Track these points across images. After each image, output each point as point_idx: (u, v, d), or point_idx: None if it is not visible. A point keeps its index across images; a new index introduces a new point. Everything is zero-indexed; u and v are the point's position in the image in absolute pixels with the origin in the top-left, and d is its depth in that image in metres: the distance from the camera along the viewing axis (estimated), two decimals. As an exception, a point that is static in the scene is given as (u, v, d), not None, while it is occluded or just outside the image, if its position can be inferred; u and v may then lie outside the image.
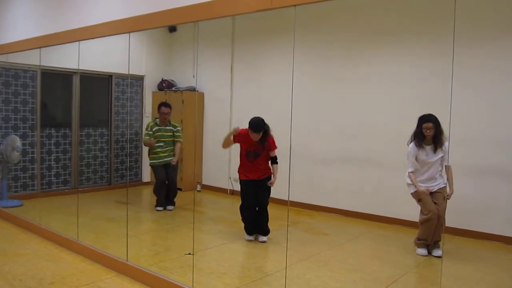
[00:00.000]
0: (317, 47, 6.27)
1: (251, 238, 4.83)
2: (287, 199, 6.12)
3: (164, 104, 6.23)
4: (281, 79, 6.53)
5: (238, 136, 4.76)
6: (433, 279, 3.77)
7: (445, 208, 4.34)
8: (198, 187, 7.62)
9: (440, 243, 4.34)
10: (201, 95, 7.83)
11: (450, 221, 5.02)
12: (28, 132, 6.55)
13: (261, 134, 4.68)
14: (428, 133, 4.38)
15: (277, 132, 6.41)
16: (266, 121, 6.56)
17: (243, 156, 4.80)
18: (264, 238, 4.78)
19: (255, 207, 4.84)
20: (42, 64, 5.63)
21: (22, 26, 6.30)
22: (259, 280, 3.69)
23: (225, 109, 7.28)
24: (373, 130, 5.73)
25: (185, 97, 7.61)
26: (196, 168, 7.81)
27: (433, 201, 4.39)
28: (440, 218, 4.32)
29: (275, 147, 4.78)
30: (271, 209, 6.28)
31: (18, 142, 6.06)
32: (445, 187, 4.45)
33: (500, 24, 4.88)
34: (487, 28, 4.94)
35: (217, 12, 3.20)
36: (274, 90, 6.71)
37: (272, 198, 6.66)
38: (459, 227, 5.07)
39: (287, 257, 4.16)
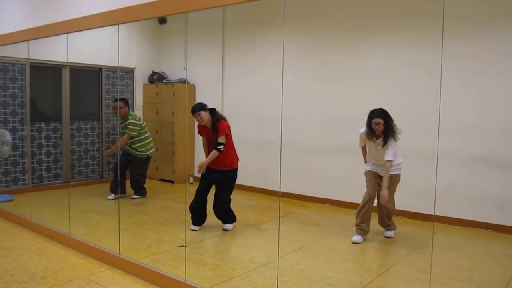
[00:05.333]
0: (308, 38, 6.26)
1: (196, 228, 4.85)
2: (279, 190, 6.17)
3: (116, 100, 6.48)
4: (272, 71, 6.52)
5: (199, 129, 4.88)
6: (424, 267, 3.80)
7: (388, 194, 4.37)
8: (191, 180, 7.61)
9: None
10: (192, 87, 7.79)
11: (440, 210, 5.08)
12: (18, 126, 6.49)
13: (200, 116, 4.68)
14: (377, 128, 4.37)
15: (268, 123, 6.43)
16: (257, 111, 6.58)
17: (207, 146, 4.89)
18: (227, 226, 4.86)
19: (203, 197, 4.84)
20: (30, 57, 5.57)
21: (10, 19, 6.22)
22: (252, 271, 3.70)
23: (217, 101, 7.25)
24: (363, 121, 5.73)
25: (176, 90, 7.57)
26: (189, 160, 7.80)
27: (377, 185, 4.54)
28: (383, 204, 4.43)
29: (223, 133, 4.66)
30: (264, 200, 6.30)
31: (7, 136, 5.99)
32: (397, 174, 4.54)
33: (487, 15, 4.89)
34: (475, 19, 4.96)
35: (208, 2, 3.16)
36: (265, 82, 6.69)
37: (264, 189, 6.70)
38: (449, 216, 5.12)
39: (280, 248, 4.17)
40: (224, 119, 4.79)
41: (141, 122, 6.28)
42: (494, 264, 4.00)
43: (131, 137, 6.14)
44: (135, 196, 6.34)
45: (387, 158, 4.34)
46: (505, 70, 4.82)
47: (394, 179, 4.56)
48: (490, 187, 4.95)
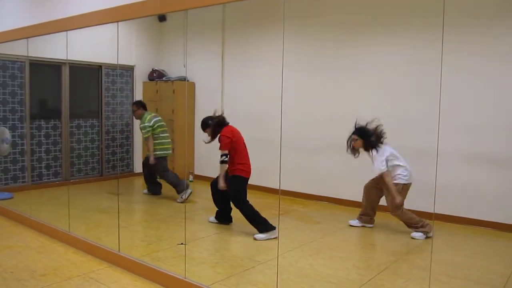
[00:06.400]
0: (307, 36, 6.25)
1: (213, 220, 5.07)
2: (278, 188, 6.17)
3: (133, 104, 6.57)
4: (272, 68, 6.52)
5: None
6: (424, 265, 3.80)
7: (391, 200, 4.60)
8: (191, 177, 7.61)
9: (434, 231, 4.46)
10: (192, 84, 7.78)
11: (440, 208, 5.08)
12: (18, 123, 6.48)
13: (207, 131, 4.85)
14: (353, 144, 4.77)
15: (268, 121, 6.43)
16: (257, 109, 6.56)
17: None
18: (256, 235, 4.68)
19: (217, 194, 4.94)
20: (30, 55, 5.56)
21: (9, 16, 6.20)
22: (251, 269, 3.70)
23: (216, 98, 7.25)
24: (364, 118, 5.73)
25: (176, 87, 7.56)
26: (189, 158, 7.80)
27: (374, 182, 4.89)
28: (392, 209, 4.65)
29: (220, 143, 4.67)
30: (264, 198, 6.30)
31: (7, 134, 5.99)
32: (397, 183, 4.62)
33: (488, 11, 4.88)
34: (476, 14, 4.95)
35: (207, 0, 3.15)
36: (265, 79, 6.69)
37: (264, 187, 6.70)
38: (450, 214, 5.12)
39: (280, 246, 4.17)
40: (219, 126, 4.74)
41: (150, 124, 6.10)
42: (493, 262, 4.00)
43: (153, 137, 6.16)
44: (145, 191, 6.54)
45: (375, 171, 4.65)
46: (506, 68, 4.80)
47: (397, 188, 4.61)
48: (490, 185, 4.94)
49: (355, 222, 5.01)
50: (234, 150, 4.67)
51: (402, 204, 4.61)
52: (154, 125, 6.16)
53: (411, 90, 5.38)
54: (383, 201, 4.87)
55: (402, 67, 5.47)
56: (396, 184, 4.60)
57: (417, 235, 4.57)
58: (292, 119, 6.22)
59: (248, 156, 4.75)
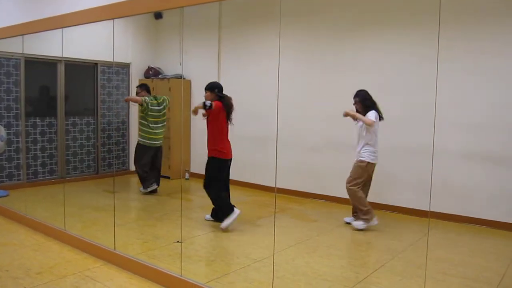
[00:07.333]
0: (304, 33, 6.24)
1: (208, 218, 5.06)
2: (274, 186, 6.16)
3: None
4: (268, 66, 6.50)
5: None
6: (419, 263, 3.81)
7: (349, 180, 4.79)
8: (187, 175, 7.60)
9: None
10: (188, 82, 7.76)
11: (435, 206, 5.10)
12: (13, 121, 6.45)
13: (205, 95, 4.85)
14: (355, 106, 4.81)
15: (264, 119, 6.42)
16: (253, 107, 6.54)
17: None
18: (220, 225, 4.72)
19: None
20: (25, 52, 5.53)
21: (5, 13, 6.16)
22: (247, 267, 3.70)
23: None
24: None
25: (172, 85, 7.54)
26: (185, 155, 7.78)
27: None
28: (348, 180, 4.81)
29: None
30: (260, 196, 6.30)
31: (2, 131, 5.96)
32: (360, 160, 4.74)
33: (487, 8, 4.89)
34: (474, 12, 4.95)
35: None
36: (261, 77, 6.68)
37: (260, 185, 6.70)
38: (445, 212, 5.13)
39: (276, 244, 4.17)
40: (221, 100, 4.76)
41: (147, 103, 6.05)
42: (489, 259, 4.02)
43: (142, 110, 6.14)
44: (141, 189, 6.41)
45: (367, 118, 4.64)
46: (505, 65, 4.80)
47: (357, 165, 4.76)
48: (486, 183, 4.96)
49: (350, 219, 5.02)
50: (210, 132, 4.74)
51: (356, 181, 4.75)
52: (148, 107, 6.09)
53: (409, 88, 5.38)
54: (381, 199, 4.87)
55: (400, 64, 5.47)
56: (362, 161, 4.71)
57: (358, 223, 4.72)
58: (289, 117, 6.21)
59: (228, 138, 4.83)
